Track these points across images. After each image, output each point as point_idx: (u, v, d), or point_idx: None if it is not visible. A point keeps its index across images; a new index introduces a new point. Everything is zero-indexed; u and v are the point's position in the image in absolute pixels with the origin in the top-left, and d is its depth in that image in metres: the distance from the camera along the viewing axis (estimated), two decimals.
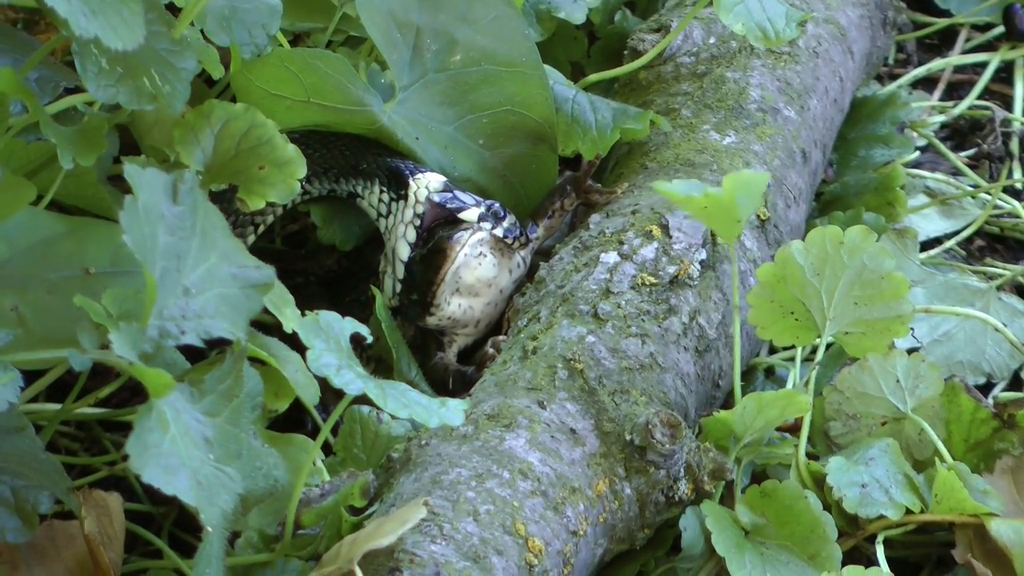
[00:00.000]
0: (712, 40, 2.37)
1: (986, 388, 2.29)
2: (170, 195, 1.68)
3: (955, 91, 2.76)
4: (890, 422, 2.05)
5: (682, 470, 1.92)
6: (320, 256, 2.32)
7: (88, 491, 1.89)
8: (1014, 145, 2.65)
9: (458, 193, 2.15)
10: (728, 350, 2.08)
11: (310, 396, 1.90)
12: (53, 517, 1.88)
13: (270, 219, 2.19)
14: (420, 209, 2.14)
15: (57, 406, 2.06)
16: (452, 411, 1.74)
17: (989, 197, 2.53)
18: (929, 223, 2.51)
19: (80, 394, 2.02)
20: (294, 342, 1.80)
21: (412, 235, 2.14)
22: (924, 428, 2.03)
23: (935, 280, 2.37)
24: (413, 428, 1.99)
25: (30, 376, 1.79)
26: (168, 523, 2.08)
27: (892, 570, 1.93)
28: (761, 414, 1.91)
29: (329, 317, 1.76)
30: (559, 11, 2.40)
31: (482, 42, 2.20)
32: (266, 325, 1.94)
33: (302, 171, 1.95)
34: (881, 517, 1.96)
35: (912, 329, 2.11)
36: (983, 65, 2.77)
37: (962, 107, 2.70)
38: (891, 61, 2.77)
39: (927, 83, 2.76)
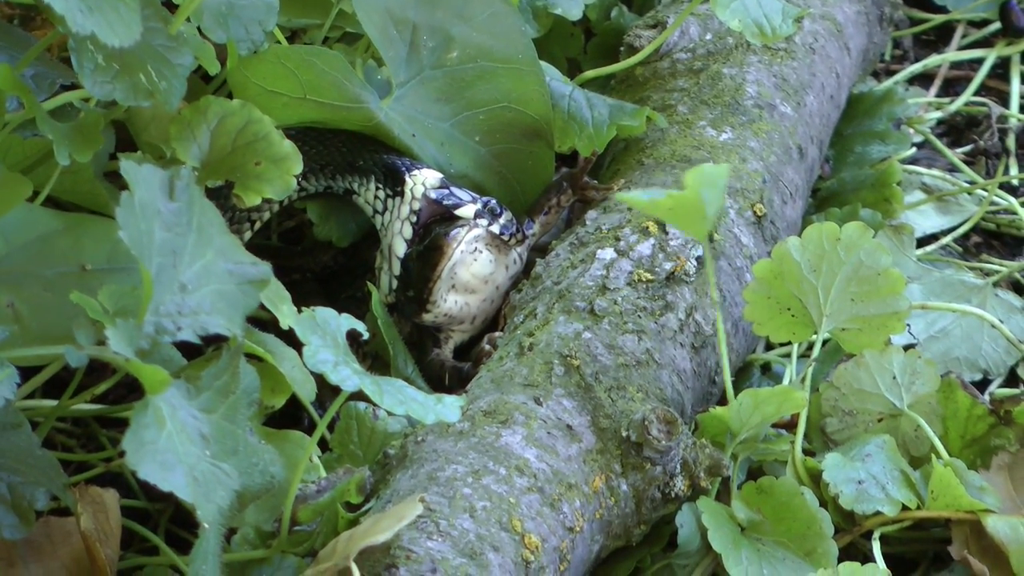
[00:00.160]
0: (708, 36, 2.37)
1: (982, 384, 2.29)
2: (166, 191, 1.68)
3: (951, 87, 2.76)
4: (886, 418, 2.05)
5: (678, 466, 1.92)
6: (316, 253, 2.32)
7: (84, 487, 1.89)
8: (1010, 141, 2.64)
9: (454, 190, 2.15)
10: None
11: (306, 392, 1.90)
12: (49, 514, 1.87)
13: (266, 215, 2.19)
14: (416, 205, 2.14)
15: (53, 402, 2.06)
16: (448, 407, 1.74)
17: (986, 193, 2.53)
18: (926, 219, 2.51)
19: (76, 390, 2.02)
20: (290, 338, 1.80)
21: (408, 231, 2.14)
22: (920, 424, 2.03)
23: (931, 276, 2.37)
24: (409, 424, 1.99)
25: (26, 372, 1.78)
26: (164, 519, 2.08)
27: (888, 566, 1.93)
28: (757, 410, 1.91)
29: (325, 313, 1.76)
30: (555, 7, 2.39)
31: (478, 39, 2.19)
32: (262, 321, 1.94)
33: (298, 167, 1.95)
34: (877, 513, 1.96)
35: (908, 325, 2.11)
36: (979, 61, 2.77)
37: (959, 103, 2.70)
38: (888, 57, 2.77)
39: (923, 79, 2.75)
